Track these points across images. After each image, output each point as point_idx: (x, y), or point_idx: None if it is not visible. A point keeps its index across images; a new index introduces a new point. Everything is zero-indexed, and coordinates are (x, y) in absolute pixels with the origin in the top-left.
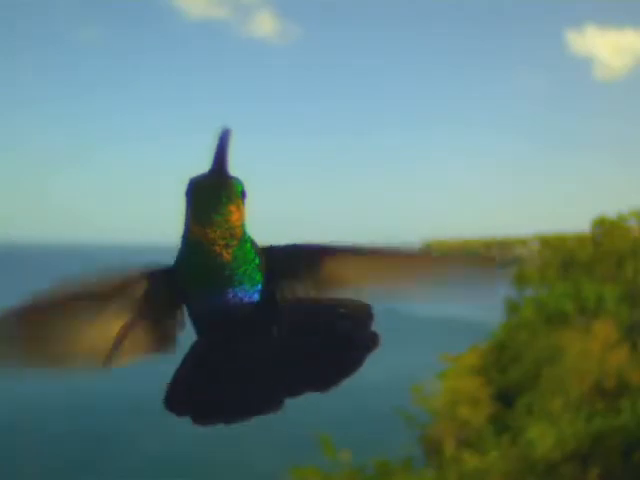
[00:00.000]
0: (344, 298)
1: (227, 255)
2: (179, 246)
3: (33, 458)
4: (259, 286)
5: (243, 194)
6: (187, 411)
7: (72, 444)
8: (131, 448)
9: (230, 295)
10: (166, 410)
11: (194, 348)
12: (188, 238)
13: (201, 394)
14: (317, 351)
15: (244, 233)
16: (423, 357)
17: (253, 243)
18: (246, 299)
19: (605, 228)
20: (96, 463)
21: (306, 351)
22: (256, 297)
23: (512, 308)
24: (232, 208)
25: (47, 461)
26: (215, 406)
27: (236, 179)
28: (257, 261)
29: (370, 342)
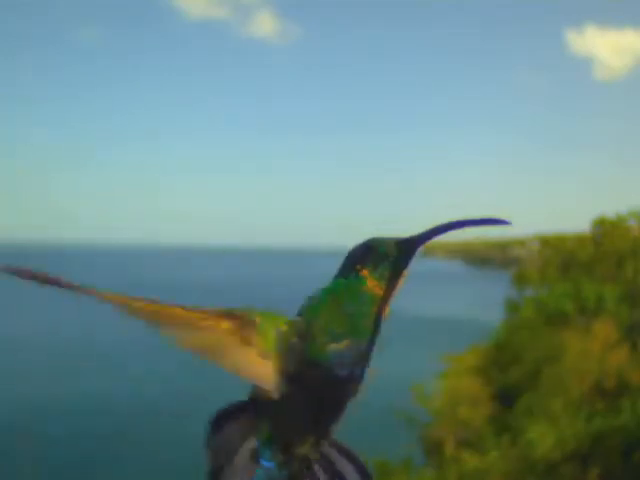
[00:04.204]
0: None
1: (386, 311)
2: (318, 296)
3: (37, 460)
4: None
5: None
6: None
7: (74, 446)
8: (134, 451)
9: (370, 343)
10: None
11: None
12: (357, 286)
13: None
14: None
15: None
16: (423, 357)
17: None
18: (371, 352)
19: (605, 228)
20: (101, 465)
21: None
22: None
23: (512, 308)
24: (406, 273)
25: (50, 463)
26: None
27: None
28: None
29: None
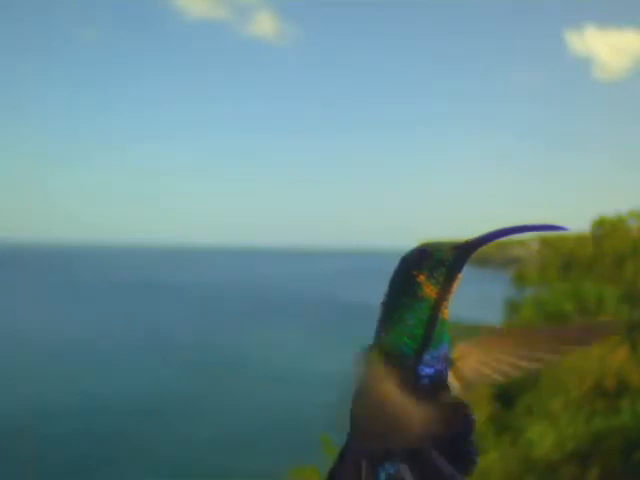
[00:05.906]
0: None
1: (445, 314)
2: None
3: (37, 460)
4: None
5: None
6: None
7: (74, 446)
8: (134, 451)
9: (446, 349)
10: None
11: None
12: (414, 295)
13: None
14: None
15: None
16: None
17: None
18: (449, 356)
19: (605, 228)
20: (101, 465)
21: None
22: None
23: (512, 308)
24: (460, 276)
25: (50, 463)
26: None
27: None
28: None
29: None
